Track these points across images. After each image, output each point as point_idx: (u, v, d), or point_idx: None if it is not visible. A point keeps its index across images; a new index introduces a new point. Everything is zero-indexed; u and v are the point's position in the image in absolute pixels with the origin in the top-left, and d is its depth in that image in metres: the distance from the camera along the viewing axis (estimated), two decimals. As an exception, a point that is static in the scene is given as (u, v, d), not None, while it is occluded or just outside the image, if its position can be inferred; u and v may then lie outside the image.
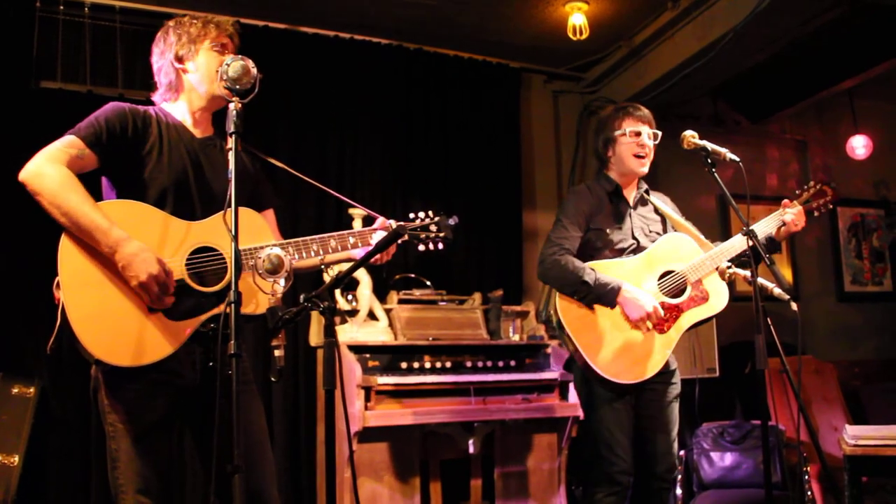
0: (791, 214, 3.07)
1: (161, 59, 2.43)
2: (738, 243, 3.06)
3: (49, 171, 2.10)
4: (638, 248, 3.18)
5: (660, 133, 3.23)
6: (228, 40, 2.45)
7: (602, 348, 2.99)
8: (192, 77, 2.40)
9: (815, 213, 3.18)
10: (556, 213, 3.27)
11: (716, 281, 3.14)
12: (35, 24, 4.07)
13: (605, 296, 3.01)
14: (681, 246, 3.16)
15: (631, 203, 3.27)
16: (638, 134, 3.18)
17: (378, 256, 2.35)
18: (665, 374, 3.12)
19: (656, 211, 3.32)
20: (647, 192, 3.33)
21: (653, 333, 3.03)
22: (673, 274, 3.10)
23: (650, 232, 3.25)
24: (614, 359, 2.99)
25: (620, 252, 3.16)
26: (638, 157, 3.18)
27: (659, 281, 3.09)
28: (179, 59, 2.40)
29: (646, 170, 3.22)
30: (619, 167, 3.25)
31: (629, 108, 3.25)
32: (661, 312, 3.00)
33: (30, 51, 4.05)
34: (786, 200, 3.15)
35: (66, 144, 2.17)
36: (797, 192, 3.20)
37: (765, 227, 3.08)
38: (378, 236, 2.45)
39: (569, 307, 3.07)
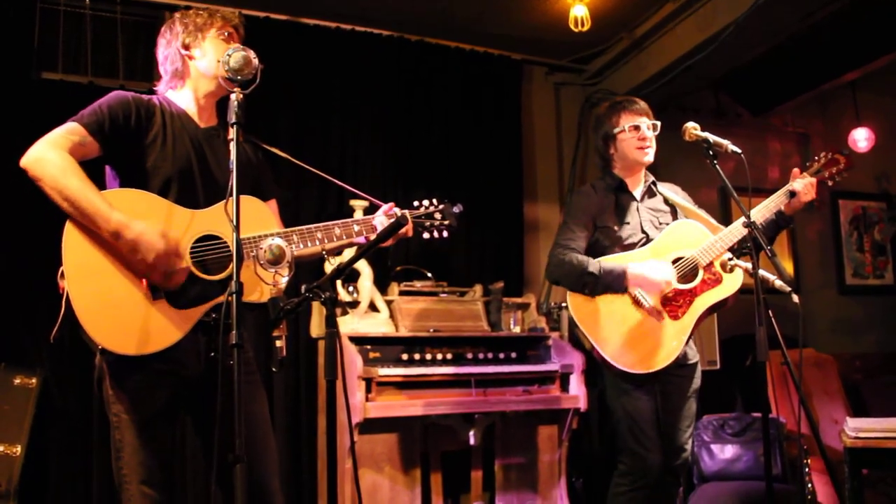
0: (801, 183, 3.00)
1: (167, 48, 2.43)
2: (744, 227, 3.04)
3: (50, 157, 2.09)
4: (648, 242, 3.15)
5: (658, 123, 3.20)
6: (234, 31, 2.45)
7: (616, 340, 2.99)
8: (199, 63, 2.40)
9: (830, 183, 3.11)
10: (563, 215, 3.25)
11: None
12: (36, 15, 4.06)
13: (614, 281, 2.99)
14: (688, 232, 3.13)
15: (638, 197, 3.24)
16: (637, 128, 3.15)
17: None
18: (686, 367, 3.11)
19: (666, 202, 3.29)
20: (654, 183, 3.30)
21: (666, 321, 3.00)
22: (683, 259, 3.05)
23: (660, 224, 3.22)
24: (629, 350, 2.97)
25: (630, 247, 3.14)
26: (640, 148, 3.16)
27: None
28: (186, 47, 2.40)
29: (651, 159, 3.19)
30: (622, 162, 3.22)
31: (624, 103, 3.21)
32: (675, 280, 2.99)
33: (31, 42, 4.04)
34: (795, 170, 3.08)
35: (68, 131, 2.16)
36: (807, 164, 3.14)
37: (773, 202, 3.03)
38: (381, 220, 2.46)
39: (580, 304, 3.06)
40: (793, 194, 3.01)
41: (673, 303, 3.02)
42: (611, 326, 3.01)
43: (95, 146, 2.20)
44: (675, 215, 3.28)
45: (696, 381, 3.17)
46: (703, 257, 3.04)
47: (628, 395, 3.04)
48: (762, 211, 3.03)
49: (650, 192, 3.28)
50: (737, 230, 3.00)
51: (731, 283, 3.05)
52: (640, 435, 3.02)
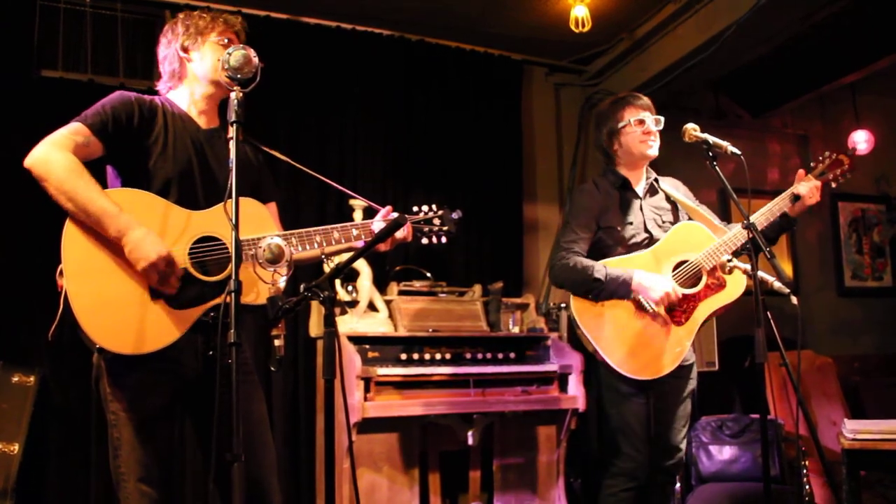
0: (805, 187, 3.02)
1: (167, 48, 2.45)
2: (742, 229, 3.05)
3: (55, 157, 2.10)
4: (652, 241, 3.12)
5: (662, 118, 3.16)
6: (234, 36, 2.45)
7: (620, 346, 2.97)
8: (195, 66, 2.41)
9: (833, 185, 3.13)
10: (565, 214, 3.22)
11: None
12: (36, 12, 4.05)
13: (619, 288, 2.97)
14: (692, 234, 3.10)
15: (640, 195, 3.21)
16: (642, 122, 3.11)
17: (379, 245, 2.34)
18: (683, 367, 3.08)
19: (668, 198, 3.26)
20: (656, 180, 3.27)
21: (670, 326, 2.99)
22: (687, 263, 3.03)
23: (663, 222, 3.19)
24: (633, 356, 2.96)
25: (634, 247, 3.11)
26: (645, 142, 3.12)
27: (673, 272, 3.04)
28: (185, 49, 2.42)
29: (656, 152, 3.15)
30: (626, 158, 3.18)
31: (628, 98, 3.18)
32: (680, 291, 2.97)
33: (31, 39, 4.03)
34: (801, 171, 3.09)
35: (72, 131, 2.17)
36: (812, 164, 3.14)
37: (777, 206, 3.03)
38: (379, 225, 2.45)
39: (584, 308, 3.03)
40: (797, 198, 3.02)
41: (677, 308, 3.01)
42: (615, 332, 2.99)
43: (99, 146, 2.21)
44: (675, 212, 3.26)
45: (692, 382, 3.16)
46: (706, 262, 3.02)
47: (627, 401, 3.04)
48: (766, 215, 3.03)
49: (652, 190, 3.25)
50: (741, 234, 2.96)
51: (735, 289, 3.04)
52: (633, 438, 3.03)
